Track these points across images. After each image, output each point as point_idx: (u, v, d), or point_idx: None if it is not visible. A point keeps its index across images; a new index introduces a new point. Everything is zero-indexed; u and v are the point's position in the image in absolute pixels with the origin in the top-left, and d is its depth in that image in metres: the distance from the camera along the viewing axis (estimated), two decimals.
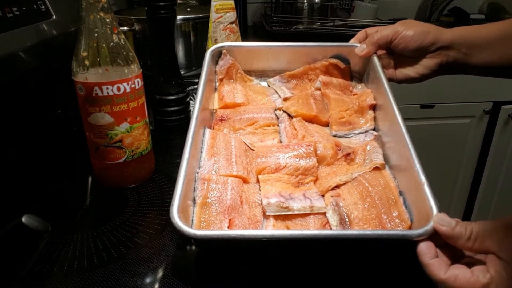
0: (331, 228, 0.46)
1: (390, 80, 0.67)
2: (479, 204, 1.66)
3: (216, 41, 0.87)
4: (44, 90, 0.77)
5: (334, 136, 0.62)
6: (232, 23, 0.87)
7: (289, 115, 0.65)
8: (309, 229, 0.47)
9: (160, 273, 0.47)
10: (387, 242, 0.43)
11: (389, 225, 0.46)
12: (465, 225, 0.39)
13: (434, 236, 0.40)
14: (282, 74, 0.71)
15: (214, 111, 0.65)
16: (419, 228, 0.41)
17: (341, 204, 0.49)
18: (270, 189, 0.50)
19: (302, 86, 0.71)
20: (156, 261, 0.49)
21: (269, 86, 0.72)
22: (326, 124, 0.65)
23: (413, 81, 0.67)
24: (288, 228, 0.47)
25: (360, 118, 0.64)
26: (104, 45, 0.57)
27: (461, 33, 0.63)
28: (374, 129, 0.62)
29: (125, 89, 0.58)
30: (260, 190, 0.51)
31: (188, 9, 1.07)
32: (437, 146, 1.53)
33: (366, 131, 0.62)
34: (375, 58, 0.66)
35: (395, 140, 0.54)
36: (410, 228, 0.45)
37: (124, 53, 0.59)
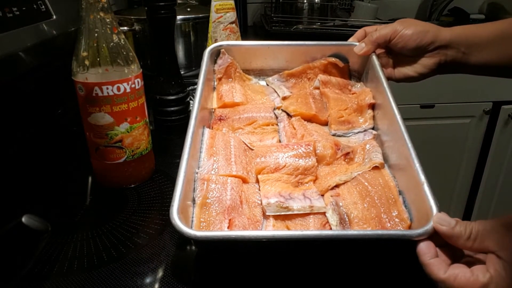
0: (331, 228, 0.47)
1: (388, 79, 0.67)
2: (479, 204, 1.66)
3: (216, 41, 0.87)
4: (44, 90, 0.77)
5: (333, 135, 0.62)
6: (232, 23, 0.87)
7: (288, 114, 0.65)
8: (309, 229, 0.47)
9: (160, 273, 0.47)
10: (387, 242, 0.43)
11: (389, 225, 0.46)
12: (465, 224, 0.39)
13: (434, 236, 0.40)
14: (280, 73, 0.71)
15: (213, 110, 0.65)
16: (419, 227, 0.41)
17: (340, 204, 0.49)
18: (269, 189, 0.50)
19: (301, 85, 0.71)
20: (156, 261, 0.49)
21: (267, 85, 0.72)
22: (325, 123, 0.65)
23: (412, 80, 0.67)
24: (288, 228, 0.47)
25: (359, 117, 0.64)
26: (104, 45, 0.57)
27: (460, 32, 0.63)
28: (373, 128, 0.62)
29: (125, 89, 0.58)
30: (259, 190, 0.51)
31: (188, 9, 1.07)
32: (437, 146, 1.53)
33: (365, 130, 0.62)
34: (374, 57, 0.66)
35: (394, 139, 0.54)
36: (409, 227, 0.45)
37: (124, 53, 0.59)
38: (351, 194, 0.50)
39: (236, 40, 0.89)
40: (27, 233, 0.39)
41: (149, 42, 1.03)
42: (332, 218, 0.47)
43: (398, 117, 0.54)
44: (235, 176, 0.52)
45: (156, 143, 0.69)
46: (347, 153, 0.57)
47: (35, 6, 0.70)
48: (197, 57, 1.09)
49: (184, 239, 0.53)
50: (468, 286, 0.37)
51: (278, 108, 0.66)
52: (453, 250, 0.40)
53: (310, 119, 0.64)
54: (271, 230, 0.46)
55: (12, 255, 0.40)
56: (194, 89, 0.93)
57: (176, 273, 0.47)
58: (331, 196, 0.50)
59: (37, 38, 0.69)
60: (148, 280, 0.47)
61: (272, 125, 0.63)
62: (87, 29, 0.56)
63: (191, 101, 0.86)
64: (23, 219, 0.38)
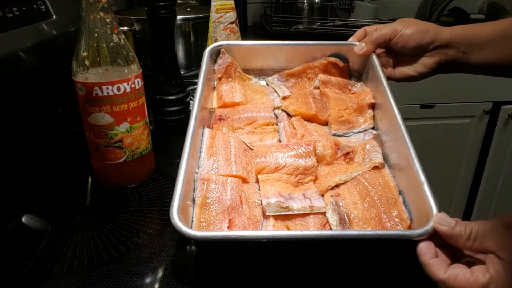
0: (331, 228, 0.47)
1: (389, 78, 0.67)
2: (479, 204, 1.66)
3: (216, 41, 0.87)
4: (44, 90, 0.77)
5: (333, 135, 0.62)
6: (232, 23, 0.87)
7: (288, 114, 0.65)
8: (309, 229, 0.47)
9: (160, 273, 0.47)
10: (387, 242, 0.43)
11: (389, 225, 0.46)
12: (465, 224, 0.39)
13: (434, 236, 0.40)
14: (280, 73, 0.71)
15: (213, 110, 0.65)
16: (419, 228, 0.41)
17: (340, 204, 0.49)
18: (269, 189, 0.50)
19: (301, 84, 0.71)
20: (156, 261, 0.49)
21: (267, 84, 0.72)
22: (325, 123, 0.65)
23: (412, 79, 0.67)
24: (288, 228, 0.47)
25: (359, 117, 0.64)
26: (104, 45, 0.57)
27: (460, 31, 0.63)
28: (373, 128, 0.62)
29: (125, 89, 0.58)
30: (259, 190, 0.51)
31: (188, 9, 1.07)
32: (437, 146, 1.53)
33: (365, 130, 0.62)
34: (374, 57, 0.66)
35: (394, 139, 0.54)
36: (409, 227, 0.45)
37: (124, 53, 0.59)
38: (351, 194, 0.50)
39: (236, 40, 0.89)
40: (27, 233, 0.39)
41: (149, 42, 1.03)
42: (332, 218, 0.47)
43: (398, 117, 0.54)
44: (235, 176, 0.52)
45: (156, 143, 0.69)
46: (347, 153, 0.57)
47: (35, 6, 0.70)
48: (197, 57, 1.09)
49: (184, 239, 0.53)
50: (468, 286, 0.37)
51: (278, 108, 0.66)
52: (453, 250, 0.40)
53: (310, 119, 0.64)
54: (271, 230, 0.46)
55: (12, 255, 0.40)
56: (194, 89, 0.93)
57: (176, 273, 0.47)
58: (331, 196, 0.50)
59: (37, 38, 0.69)
60: (148, 280, 0.47)
61: (272, 125, 0.63)
62: (87, 29, 0.56)
63: (191, 101, 0.86)
64: (23, 219, 0.38)
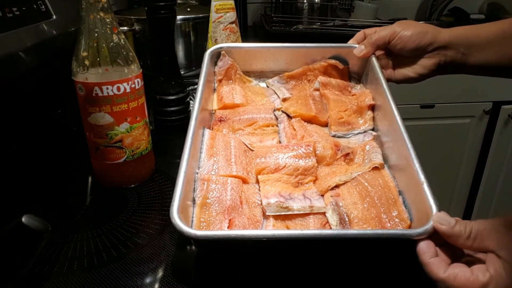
0: (331, 228, 0.47)
1: (388, 80, 0.67)
2: (479, 204, 1.66)
3: (216, 41, 0.87)
4: (44, 90, 0.77)
5: (333, 136, 0.62)
6: (232, 23, 0.87)
7: (288, 115, 0.65)
8: (309, 229, 0.47)
9: (160, 273, 0.47)
10: (387, 241, 0.43)
11: (389, 225, 0.46)
12: (465, 224, 0.39)
13: (434, 235, 0.40)
14: (281, 75, 0.71)
15: (213, 111, 0.65)
16: (419, 227, 0.41)
17: (340, 204, 0.49)
18: (269, 189, 0.50)
19: (301, 86, 0.71)
20: (156, 261, 0.49)
21: (268, 87, 0.72)
22: (325, 125, 0.65)
23: (412, 81, 0.68)
24: (288, 228, 0.47)
25: (359, 119, 0.64)
26: (104, 45, 0.57)
27: (459, 33, 0.63)
28: (373, 129, 0.62)
29: (125, 89, 0.58)
30: (259, 190, 0.51)
31: (188, 9, 1.07)
32: (437, 146, 1.53)
33: (365, 131, 0.62)
34: (373, 59, 0.66)
35: (394, 140, 0.54)
36: (409, 227, 0.45)
37: (124, 53, 0.59)
38: (351, 194, 0.50)
39: (236, 40, 0.89)
40: (27, 233, 0.39)
41: (149, 42, 1.03)
42: (332, 218, 0.47)
43: (398, 117, 0.54)
44: (235, 177, 0.52)
45: (156, 143, 0.69)
46: (347, 154, 0.57)
47: (35, 6, 0.70)
48: (197, 57, 1.09)
49: (184, 239, 0.53)
50: (467, 286, 0.37)
51: (278, 109, 0.66)
52: (453, 250, 0.40)
53: (310, 120, 0.65)
54: (271, 230, 0.46)
55: (12, 255, 0.40)
56: (194, 89, 0.93)
57: (176, 273, 0.47)
58: (331, 196, 0.50)
59: (37, 38, 0.69)
60: (148, 280, 0.47)
61: (272, 126, 0.63)
62: (87, 29, 0.56)
63: (191, 101, 0.86)
64: (23, 219, 0.38)
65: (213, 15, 0.86)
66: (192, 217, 0.46)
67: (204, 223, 0.46)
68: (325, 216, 0.48)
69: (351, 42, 0.70)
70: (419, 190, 0.45)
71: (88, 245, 0.52)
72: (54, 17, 0.74)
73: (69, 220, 0.58)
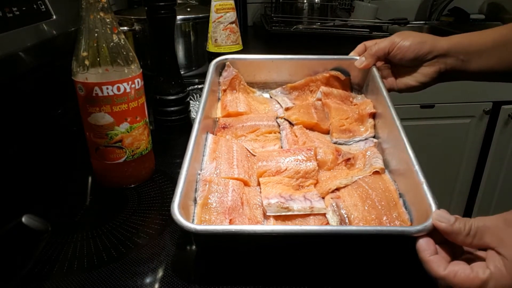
0: None
1: (391, 90, 0.69)
2: (479, 204, 1.66)
3: (216, 41, 0.87)
4: (44, 90, 0.77)
5: (335, 143, 0.63)
6: (232, 23, 0.87)
7: (290, 123, 0.66)
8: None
9: (160, 273, 0.47)
10: (387, 238, 0.43)
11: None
12: (464, 221, 0.39)
13: (433, 233, 0.40)
14: (284, 86, 0.73)
15: (217, 119, 0.67)
16: (419, 224, 0.41)
17: (341, 206, 0.49)
18: (270, 191, 0.51)
19: (304, 97, 0.73)
20: (156, 261, 0.49)
21: (271, 97, 0.74)
22: (327, 132, 0.66)
23: (414, 89, 0.69)
24: None
25: (360, 126, 0.65)
26: (104, 45, 0.57)
27: (457, 41, 0.64)
28: (374, 137, 0.63)
29: (125, 89, 0.58)
30: (260, 193, 0.52)
31: (188, 9, 1.07)
32: (437, 146, 1.53)
33: (366, 139, 0.63)
34: (374, 69, 0.67)
35: (394, 146, 0.55)
36: None
37: (124, 53, 0.59)
38: (351, 196, 0.51)
39: (236, 39, 0.89)
40: (27, 233, 0.39)
41: (149, 42, 1.03)
42: (332, 219, 0.47)
43: (398, 124, 0.55)
44: (237, 179, 0.52)
45: (156, 143, 0.69)
46: (348, 159, 0.58)
47: (35, 6, 0.70)
48: (197, 57, 1.09)
49: (184, 239, 0.53)
50: (467, 283, 0.37)
51: (281, 117, 0.68)
52: (452, 248, 0.41)
53: (311, 128, 0.66)
54: (271, 225, 0.46)
55: (12, 255, 0.40)
56: (194, 89, 0.93)
57: (176, 273, 0.47)
58: (331, 198, 0.50)
59: (37, 38, 0.69)
60: (148, 280, 0.47)
61: (275, 132, 0.64)
62: (87, 29, 0.56)
63: (191, 101, 0.86)
64: (23, 219, 0.38)
65: (213, 15, 0.86)
66: (193, 216, 0.47)
67: (205, 222, 0.46)
68: (325, 217, 0.48)
69: (352, 54, 0.72)
70: (418, 191, 0.45)
71: (88, 245, 0.52)
72: (54, 17, 0.74)
73: (69, 220, 0.58)
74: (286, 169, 0.54)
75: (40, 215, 0.40)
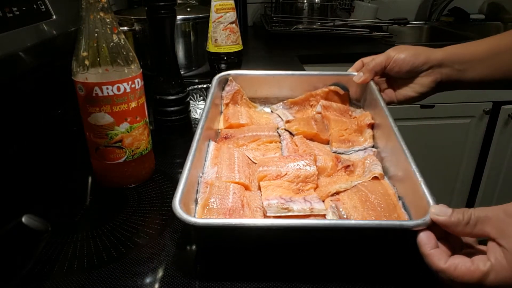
0: None
1: (390, 103, 0.71)
2: (479, 204, 1.66)
3: (216, 41, 0.87)
4: (44, 90, 0.77)
5: (334, 152, 0.64)
6: (232, 23, 0.87)
7: (290, 133, 0.67)
8: None
9: (160, 273, 0.47)
10: (386, 232, 0.43)
11: None
12: (462, 211, 0.39)
13: (433, 229, 0.41)
14: (285, 101, 0.75)
15: (219, 130, 0.68)
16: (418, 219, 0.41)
17: (340, 208, 0.49)
18: (271, 193, 0.51)
19: (304, 111, 0.74)
20: (156, 261, 0.49)
21: (272, 112, 0.75)
22: (326, 142, 0.67)
23: (413, 100, 0.71)
24: None
25: (359, 137, 0.66)
26: (104, 45, 0.57)
27: (451, 51, 0.66)
28: (373, 147, 0.64)
29: (125, 89, 0.58)
30: (261, 196, 0.52)
31: (188, 9, 1.07)
32: (437, 146, 1.53)
33: (365, 148, 0.64)
34: (371, 83, 0.70)
35: (393, 153, 0.56)
36: None
37: (124, 53, 0.59)
38: (351, 199, 0.51)
39: (236, 39, 0.89)
40: (27, 233, 0.39)
41: (149, 42, 1.03)
42: None
43: (396, 130, 0.56)
44: (237, 183, 0.53)
45: (156, 143, 0.69)
46: (348, 166, 0.58)
47: (35, 6, 0.70)
48: (197, 57, 1.09)
49: (184, 239, 0.53)
50: (468, 275, 0.37)
51: (282, 129, 0.69)
52: (453, 243, 0.41)
53: (311, 138, 0.67)
54: (271, 219, 0.47)
55: (12, 255, 0.40)
56: (194, 89, 0.93)
57: (176, 273, 0.47)
58: (331, 200, 0.51)
59: (37, 38, 0.69)
60: (148, 280, 0.47)
61: (275, 142, 0.65)
62: (87, 29, 0.56)
63: (191, 101, 0.86)
64: (23, 219, 0.38)
65: (213, 15, 0.86)
66: (194, 215, 0.47)
67: None
68: (325, 218, 0.48)
69: (350, 71, 0.74)
70: (417, 190, 0.46)
71: (88, 245, 0.52)
72: (54, 17, 0.74)
73: (69, 220, 0.58)
74: (286, 174, 0.54)
75: (40, 215, 0.40)
